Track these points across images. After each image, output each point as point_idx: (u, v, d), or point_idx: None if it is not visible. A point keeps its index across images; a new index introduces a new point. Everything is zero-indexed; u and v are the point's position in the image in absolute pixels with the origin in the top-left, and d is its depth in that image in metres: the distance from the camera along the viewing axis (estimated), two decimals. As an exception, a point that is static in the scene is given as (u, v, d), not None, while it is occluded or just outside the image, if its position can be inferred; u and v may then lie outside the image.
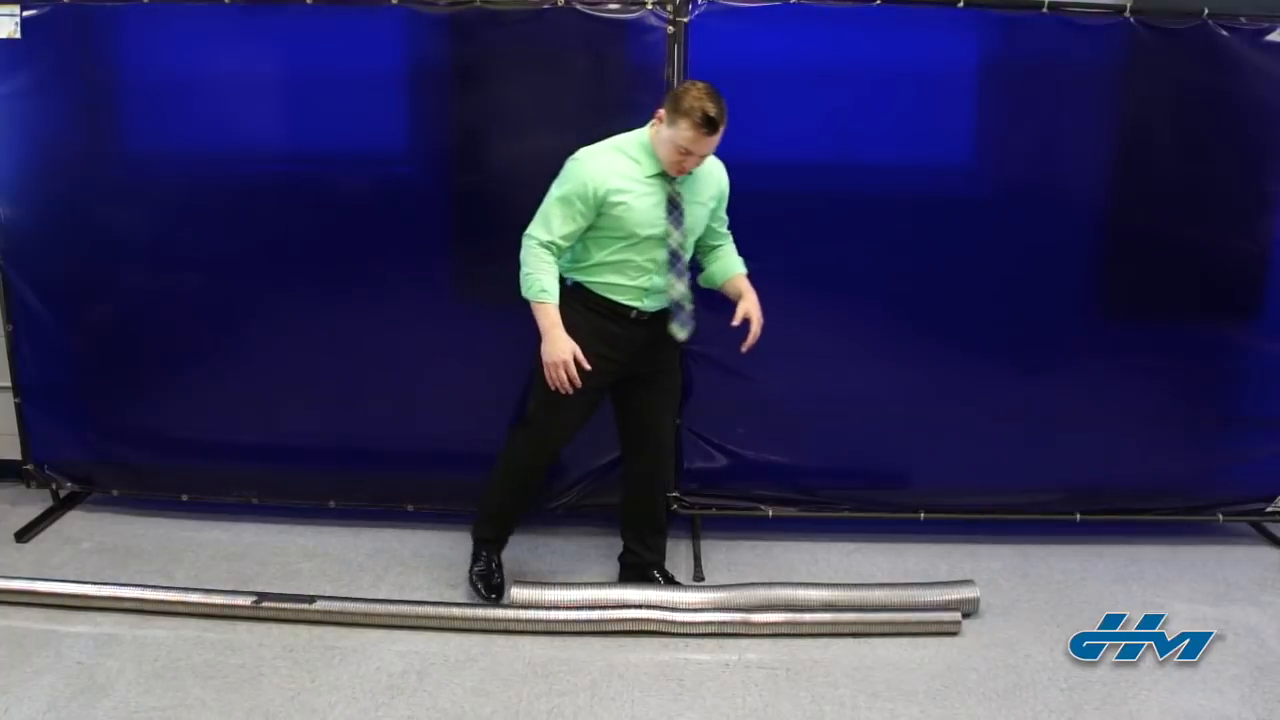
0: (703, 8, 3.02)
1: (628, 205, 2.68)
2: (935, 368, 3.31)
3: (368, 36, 3.11)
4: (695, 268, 2.96)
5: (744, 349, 2.82)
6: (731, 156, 3.10)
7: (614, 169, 2.68)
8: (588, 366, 2.72)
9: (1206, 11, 3.04)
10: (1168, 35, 3.06)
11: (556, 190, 2.70)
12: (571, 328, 2.74)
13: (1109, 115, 3.18)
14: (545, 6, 3.02)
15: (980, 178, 3.27)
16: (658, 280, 2.78)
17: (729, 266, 2.94)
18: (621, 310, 2.81)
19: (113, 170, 3.26)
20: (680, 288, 2.78)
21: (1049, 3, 3.01)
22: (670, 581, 3.07)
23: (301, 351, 3.36)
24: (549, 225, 2.70)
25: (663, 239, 2.73)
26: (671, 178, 2.71)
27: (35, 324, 3.37)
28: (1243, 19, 3.05)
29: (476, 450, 3.04)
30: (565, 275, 2.81)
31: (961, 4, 3.01)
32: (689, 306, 2.81)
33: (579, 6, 3.02)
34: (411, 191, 3.24)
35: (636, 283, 2.78)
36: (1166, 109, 3.16)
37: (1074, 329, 3.31)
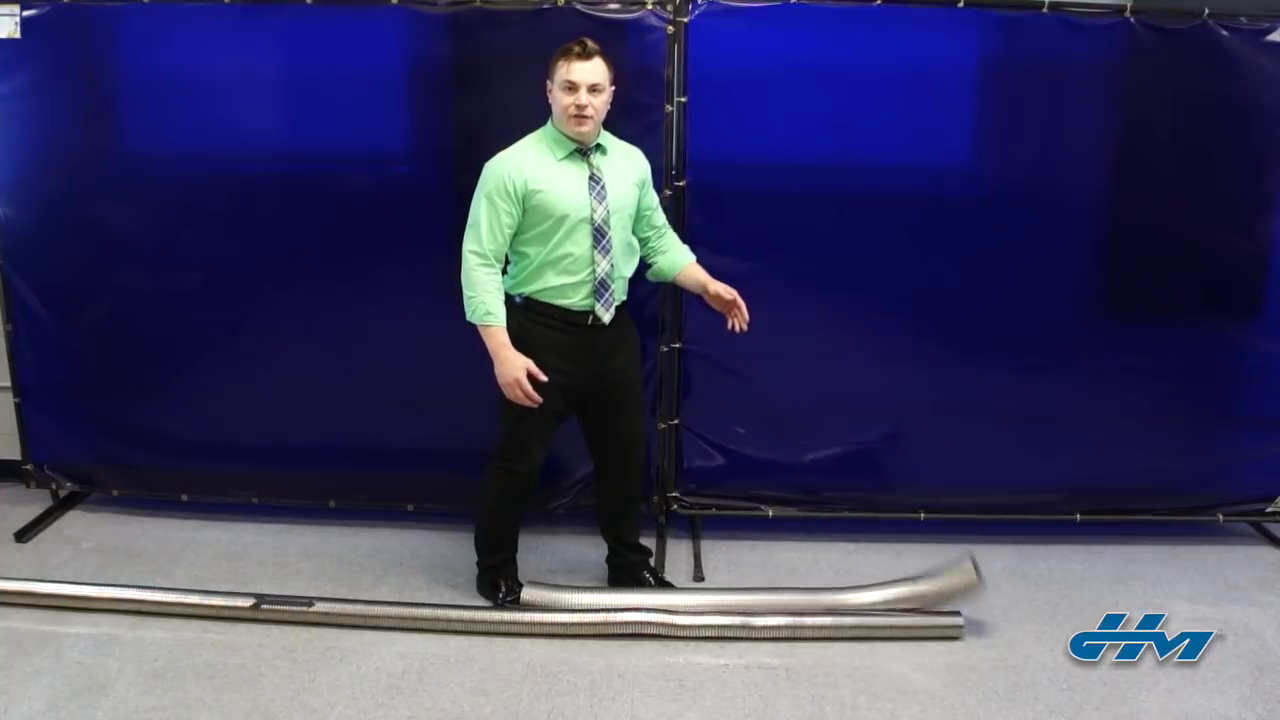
0: (703, 8, 3.01)
1: (545, 192, 2.69)
2: (935, 367, 3.31)
3: (368, 36, 3.11)
4: (643, 265, 2.95)
5: (742, 328, 2.83)
6: (731, 157, 3.10)
7: (527, 160, 2.71)
8: (543, 378, 2.73)
9: (1206, 11, 3.03)
10: (1168, 35, 3.06)
11: (478, 195, 2.73)
12: (527, 345, 2.74)
13: (1109, 115, 3.18)
14: (545, 6, 3.02)
15: (980, 178, 3.27)
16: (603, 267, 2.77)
17: (677, 257, 2.93)
18: (577, 317, 2.78)
19: (113, 170, 3.26)
20: (605, 265, 2.76)
21: (1049, 3, 3.01)
22: (659, 579, 3.08)
23: (301, 351, 3.36)
24: (479, 233, 2.71)
25: (589, 219, 2.72)
26: (587, 155, 2.72)
27: (35, 324, 3.37)
28: (1243, 19, 3.05)
29: (476, 449, 3.03)
30: (513, 293, 2.79)
31: (961, 4, 3.01)
32: (614, 285, 2.79)
33: (579, 6, 3.02)
34: (411, 191, 3.24)
35: (581, 277, 2.75)
36: (1167, 109, 3.16)
37: (1074, 329, 3.30)
